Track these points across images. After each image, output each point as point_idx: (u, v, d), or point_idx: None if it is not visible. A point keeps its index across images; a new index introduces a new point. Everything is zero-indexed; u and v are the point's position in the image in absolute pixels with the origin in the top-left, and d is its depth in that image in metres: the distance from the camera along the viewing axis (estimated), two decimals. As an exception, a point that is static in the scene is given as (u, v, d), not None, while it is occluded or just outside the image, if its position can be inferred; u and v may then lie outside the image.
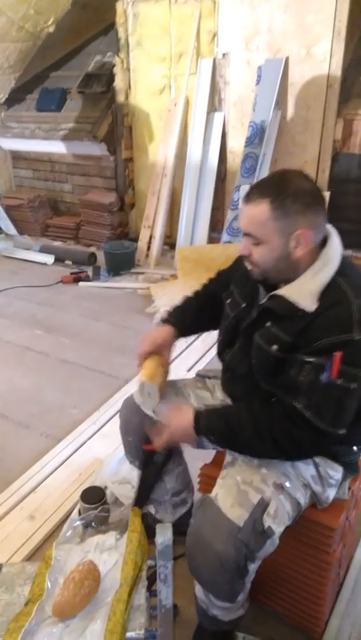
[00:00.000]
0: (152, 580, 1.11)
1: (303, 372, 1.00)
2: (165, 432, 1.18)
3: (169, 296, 3.35)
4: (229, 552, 1.00)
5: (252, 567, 1.05)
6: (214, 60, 3.72)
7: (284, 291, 1.06)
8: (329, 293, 1.02)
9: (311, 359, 0.99)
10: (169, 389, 1.34)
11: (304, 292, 1.03)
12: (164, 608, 0.97)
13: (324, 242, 1.08)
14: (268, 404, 1.08)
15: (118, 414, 1.48)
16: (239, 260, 1.31)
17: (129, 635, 0.97)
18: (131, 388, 2.37)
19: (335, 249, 1.07)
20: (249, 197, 1.04)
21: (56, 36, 4.26)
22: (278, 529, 1.04)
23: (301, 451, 1.06)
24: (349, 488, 1.22)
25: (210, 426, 1.12)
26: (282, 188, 1.01)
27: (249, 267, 1.12)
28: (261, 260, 1.07)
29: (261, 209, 1.01)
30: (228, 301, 1.25)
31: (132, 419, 1.35)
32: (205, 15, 3.67)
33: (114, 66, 4.20)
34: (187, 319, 1.37)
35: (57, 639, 0.94)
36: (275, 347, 1.06)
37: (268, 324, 1.08)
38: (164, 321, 1.37)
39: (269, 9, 3.37)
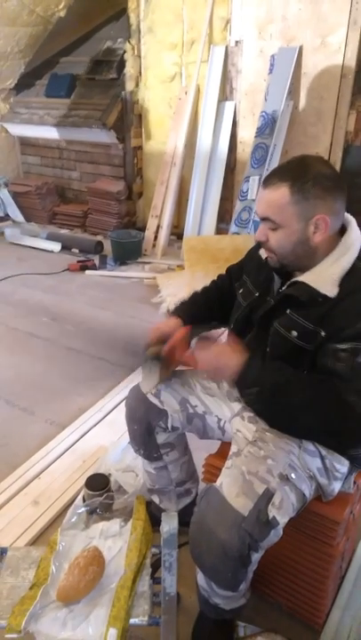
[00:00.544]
0: (156, 567, 1.12)
1: (340, 359, 0.99)
2: (210, 356, 1.10)
3: (175, 286, 3.34)
4: (233, 541, 1.00)
5: (256, 557, 1.05)
6: (227, 48, 3.67)
7: (304, 277, 1.05)
8: (350, 279, 1.01)
9: (345, 346, 0.98)
10: (175, 379, 1.34)
11: (325, 278, 1.03)
12: (168, 596, 0.98)
13: (342, 230, 1.07)
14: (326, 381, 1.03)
15: (124, 402, 1.48)
16: (251, 253, 1.30)
17: (132, 621, 0.98)
18: (136, 378, 2.37)
19: (356, 236, 1.06)
20: (268, 181, 1.03)
21: (67, 21, 4.22)
22: (283, 520, 1.04)
23: (344, 435, 1.02)
24: (355, 482, 1.22)
25: (260, 377, 1.04)
26: (302, 173, 1.00)
27: (265, 254, 1.11)
28: (278, 245, 1.06)
29: (281, 193, 1.01)
30: (241, 291, 1.24)
31: (138, 407, 1.35)
32: (219, 1, 3.61)
33: (124, 52, 4.15)
34: (193, 312, 1.36)
35: (61, 623, 0.95)
36: (294, 333, 1.04)
37: (288, 311, 1.07)
38: (172, 314, 1.36)
39: (284, -4, 3.32)
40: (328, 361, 1.01)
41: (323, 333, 1.02)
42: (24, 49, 4.34)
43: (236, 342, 1.13)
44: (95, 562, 1.03)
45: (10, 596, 1.02)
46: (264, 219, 1.06)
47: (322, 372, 1.03)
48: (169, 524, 0.93)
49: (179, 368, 1.37)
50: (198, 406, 1.31)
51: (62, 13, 4.10)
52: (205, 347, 1.12)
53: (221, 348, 1.11)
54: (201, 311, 1.37)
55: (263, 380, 1.05)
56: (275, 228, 1.04)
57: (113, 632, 0.92)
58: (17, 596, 1.00)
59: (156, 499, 1.51)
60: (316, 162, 1.04)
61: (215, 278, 1.44)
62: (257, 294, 1.19)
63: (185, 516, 1.16)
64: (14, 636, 0.94)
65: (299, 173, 1.00)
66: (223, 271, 1.45)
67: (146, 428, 1.34)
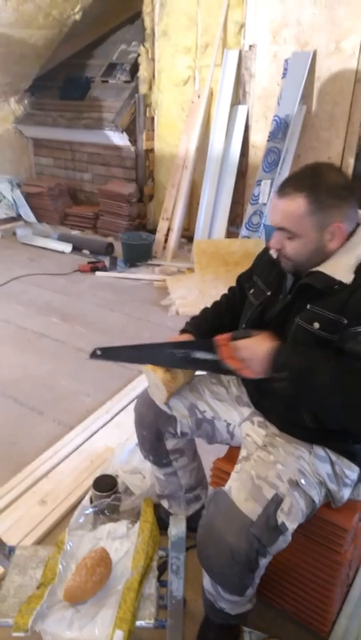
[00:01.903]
0: (162, 570, 1.12)
1: (359, 342, 0.98)
2: (243, 354, 1.10)
3: (185, 289, 3.35)
4: (241, 545, 1.00)
5: (263, 562, 1.04)
6: (240, 52, 3.67)
7: (320, 267, 1.06)
8: None
9: None
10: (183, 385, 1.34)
11: (341, 265, 1.04)
12: (175, 599, 0.97)
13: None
14: (350, 363, 1.02)
15: (132, 406, 1.48)
16: (260, 255, 1.30)
17: (139, 623, 0.98)
18: (144, 380, 2.37)
19: None
20: (283, 192, 1.05)
21: (82, 24, 4.25)
22: (292, 525, 1.03)
23: None
24: (364, 489, 1.21)
25: (289, 361, 1.05)
26: (317, 183, 1.02)
27: (275, 254, 1.12)
28: (294, 253, 1.07)
29: (297, 204, 1.02)
30: (252, 291, 1.25)
31: (147, 413, 1.35)
32: (233, 5, 3.62)
33: (138, 55, 4.17)
34: (203, 326, 1.36)
35: (68, 623, 0.95)
36: (316, 325, 1.04)
37: (308, 306, 1.07)
38: (182, 331, 1.36)
39: (299, 1, 3.31)
40: (349, 344, 1.01)
41: (344, 321, 1.02)
42: (39, 51, 4.38)
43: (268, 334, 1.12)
44: (102, 563, 1.03)
45: (17, 594, 1.02)
46: (280, 228, 1.07)
47: (346, 356, 1.02)
48: (177, 528, 0.93)
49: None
50: (207, 411, 1.30)
51: (78, 17, 4.14)
52: (241, 344, 1.12)
53: (254, 339, 1.11)
54: (210, 324, 1.36)
55: (290, 364, 1.05)
56: (291, 237, 1.06)
57: (119, 634, 0.92)
58: (24, 595, 1.01)
59: (165, 504, 1.50)
60: (330, 170, 1.05)
61: (226, 292, 1.44)
62: (269, 293, 1.19)
63: (193, 522, 1.16)
64: (21, 634, 0.94)
65: (314, 183, 1.02)
66: (233, 275, 1.45)
67: (155, 433, 1.33)
